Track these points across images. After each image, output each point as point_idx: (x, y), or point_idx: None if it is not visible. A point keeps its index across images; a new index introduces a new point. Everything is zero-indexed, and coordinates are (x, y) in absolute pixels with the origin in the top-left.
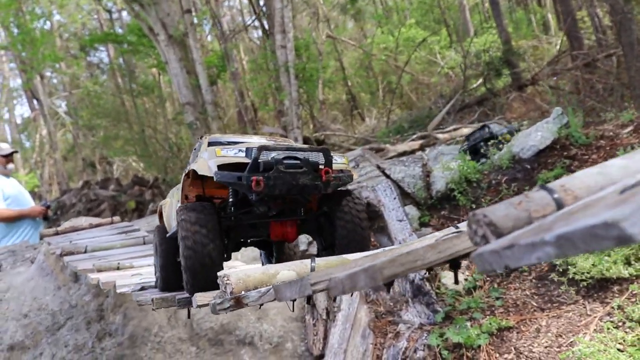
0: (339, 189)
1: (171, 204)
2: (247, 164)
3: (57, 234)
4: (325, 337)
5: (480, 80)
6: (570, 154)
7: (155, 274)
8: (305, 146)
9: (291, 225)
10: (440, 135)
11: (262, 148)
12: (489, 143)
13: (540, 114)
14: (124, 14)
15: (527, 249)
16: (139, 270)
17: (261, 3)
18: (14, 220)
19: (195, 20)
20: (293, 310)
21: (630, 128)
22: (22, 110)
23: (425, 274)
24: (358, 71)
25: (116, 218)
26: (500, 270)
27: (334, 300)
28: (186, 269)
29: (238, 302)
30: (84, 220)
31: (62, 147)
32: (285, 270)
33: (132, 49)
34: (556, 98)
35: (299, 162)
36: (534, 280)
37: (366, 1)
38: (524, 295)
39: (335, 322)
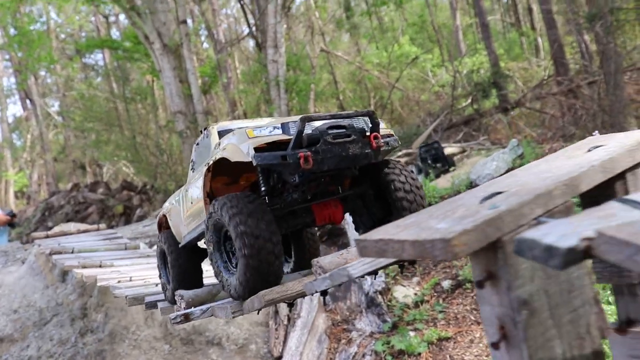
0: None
1: (178, 211)
2: (285, 141)
3: (47, 237)
4: (285, 341)
5: (468, 101)
6: None
7: (163, 286)
8: (349, 112)
9: (336, 205)
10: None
11: (305, 119)
12: (436, 161)
13: (523, 136)
14: (122, 17)
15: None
16: (118, 269)
17: (255, 17)
18: None
19: (191, 27)
20: (258, 314)
21: None
22: (15, 109)
23: (379, 287)
24: (350, 85)
25: (102, 225)
26: (319, 290)
27: (290, 307)
28: (247, 268)
29: (186, 317)
30: (72, 226)
31: (53, 147)
32: (223, 292)
33: (127, 55)
34: (539, 122)
35: (345, 130)
36: (474, 297)
37: (361, 17)
38: (465, 309)
39: (294, 328)
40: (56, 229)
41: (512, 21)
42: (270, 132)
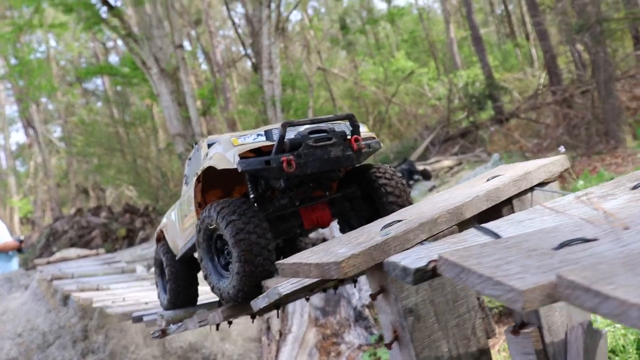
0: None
1: (173, 224)
2: (268, 148)
3: (49, 263)
4: (277, 356)
5: (465, 114)
6: None
7: (161, 298)
8: (329, 116)
9: (323, 208)
10: (420, 167)
11: (286, 125)
12: (413, 177)
13: (518, 147)
14: (120, 42)
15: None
16: (113, 292)
17: (250, 39)
18: None
19: (189, 50)
20: (254, 320)
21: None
22: (18, 136)
23: (366, 301)
24: (347, 101)
25: (101, 250)
26: (261, 307)
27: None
28: (243, 275)
29: (163, 332)
30: (72, 252)
31: (56, 173)
32: (200, 310)
33: (126, 80)
34: (534, 132)
35: (326, 134)
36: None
37: (356, 34)
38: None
39: (285, 342)
40: (57, 255)
41: (507, 32)
42: (254, 139)
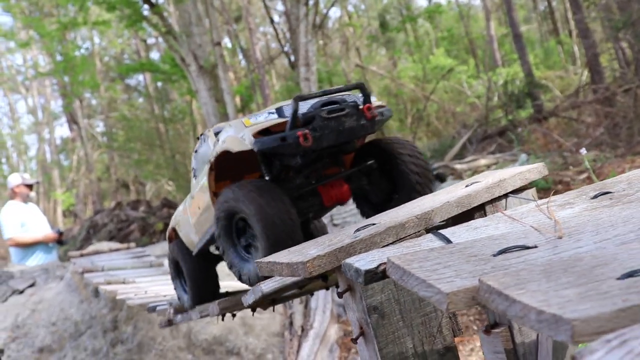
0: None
1: (186, 220)
2: (283, 125)
3: (82, 255)
4: (298, 351)
5: (502, 112)
6: None
7: (183, 299)
8: (339, 86)
9: (341, 184)
10: (457, 166)
11: (298, 98)
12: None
13: (557, 146)
14: (161, 39)
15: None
16: (138, 285)
17: (288, 36)
18: (28, 245)
19: (230, 47)
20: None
21: (585, 175)
22: (62, 131)
23: None
24: (385, 98)
25: (132, 244)
26: (249, 302)
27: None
28: (268, 252)
29: (169, 322)
30: (105, 245)
31: (98, 167)
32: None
33: (166, 77)
34: (574, 131)
35: (338, 105)
36: (478, 307)
37: (395, 31)
38: (468, 320)
39: (307, 338)
40: (90, 248)
41: (550, 29)
42: (266, 117)
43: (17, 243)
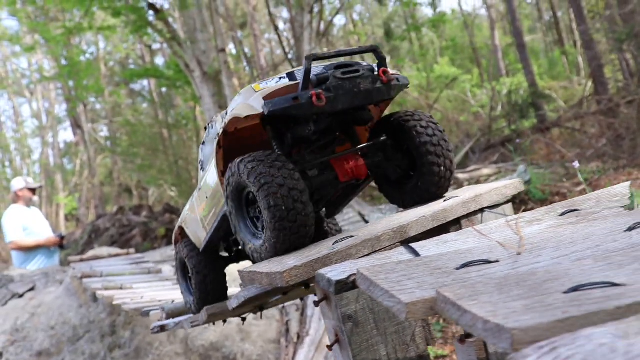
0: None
1: (194, 216)
2: (293, 89)
3: (81, 260)
4: (294, 357)
5: (506, 122)
6: (527, 208)
7: (189, 302)
8: (353, 48)
9: (356, 158)
10: (460, 176)
11: (310, 57)
12: None
13: (560, 156)
14: (166, 44)
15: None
16: (135, 291)
17: (291, 44)
18: (30, 249)
19: (234, 53)
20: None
21: (582, 187)
22: (66, 135)
23: None
24: (390, 107)
25: (131, 250)
26: (233, 307)
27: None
28: (276, 231)
29: (162, 328)
30: (105, 250)
31: (102, 171)
32: None
33: (170, 83)
34: (576, 142)
35: (353, 66)
36: None
37: (399, 40)
38: (463, 330)
39: (302, 345)
40: (90, 253)
41: (555, 39)
42: (276, 82)
43: (19, 247)
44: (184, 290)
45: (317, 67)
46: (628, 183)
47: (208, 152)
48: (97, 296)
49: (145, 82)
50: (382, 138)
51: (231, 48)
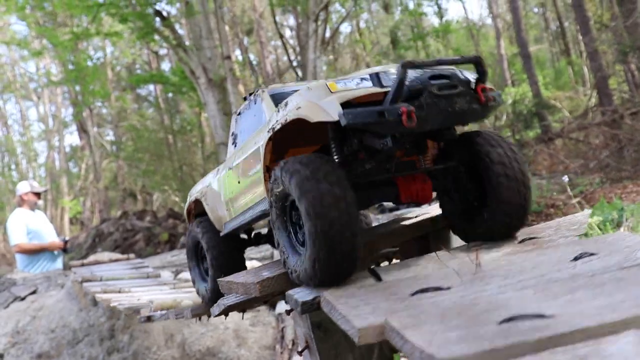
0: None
1: (217, 194)
2: (375, 96)
3: (82, 265)
4: None
5: (510, 132)
6: None
7: (200, 288)
8: (454, 57)
9: (424, 180)
10: None
11: (407, 65)
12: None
13: (564, 167)
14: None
15: (216, 307)
16: (133, 294)
17: (296, 52)
18: (34, 252)
19: (241, 59)
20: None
21: (577, 199)
22: (72, 139)
23: None
24: None
25: (131, 255)
26: (215, 315)
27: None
28: (317, 259)
29: (148, 319)
30: (106, 255)
31: (107, 176)
32: (186, 300)
33: (175, 89)
34: (579, 153)
35: (449, 80)
36: None
37: (405, 49)
38: None
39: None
40: (91, 258)
41: (562, 49)
42: (357, 84)
43: (24, 250)
44: (195, 275)
45: (411, 73)
46: (588, 212)
47: (245, 127)
48: (96, 299)
49: (151, 87)
50: (453, 163)
51: (237, 54)
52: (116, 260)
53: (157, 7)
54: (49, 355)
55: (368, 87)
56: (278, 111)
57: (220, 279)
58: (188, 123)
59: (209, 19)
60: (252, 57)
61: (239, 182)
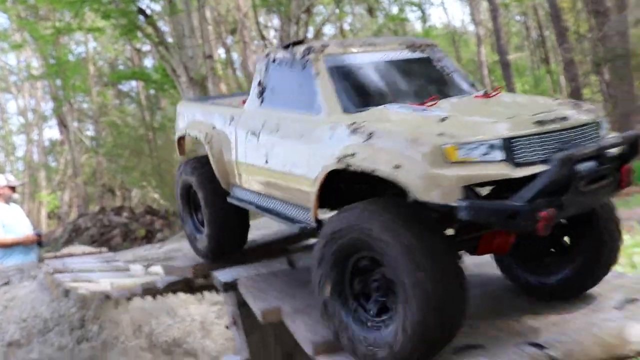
0: None
1: (230, 147)
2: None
3: (55, 257)
4: None
5: None
6: None
7: (197, 241)
8: (615, 139)
9: (508, 233)
10: None
11: (569, 161)
12: None
13: None
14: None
15: None
16: (100, 284)
17: None
18: (8, 246)
19: (224, 59)
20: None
21: None
22: (52, 133)
23: None
24: None
25: (104, 249)
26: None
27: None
28: (415, 344)
29: (107, 297)
30: (79, 249)
31: (86, 171)
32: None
33: (157, 86)
34: None
35: (599, 163)
36: None
37: None
38: None
39: None
40: (64, 251)
41: (542, 57)
42: (483, 154)
43: None
44: (187, 222)
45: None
46: None
47: (280, 87)
48: (66, 287)
49: (133, 83)
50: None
51: (221, 53)
52: (89, 254)
53: (141, 5)
54: (19, 344)
55: (496, 162)
56: (354, 133)
57: (163, 264)
58: (169, 120)
59: (192, 18)
60: (235, 56)
61: (266, 162)
